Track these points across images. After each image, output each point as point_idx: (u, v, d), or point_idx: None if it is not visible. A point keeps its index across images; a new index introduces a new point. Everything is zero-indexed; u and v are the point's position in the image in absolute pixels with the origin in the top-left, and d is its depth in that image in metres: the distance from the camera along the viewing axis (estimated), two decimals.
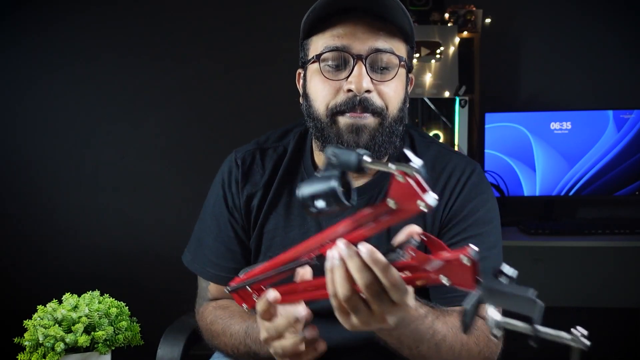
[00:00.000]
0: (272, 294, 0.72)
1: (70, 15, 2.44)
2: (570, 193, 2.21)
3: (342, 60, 0.91)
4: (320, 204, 0.57)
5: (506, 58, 2.37)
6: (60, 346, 0.85)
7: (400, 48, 0.94)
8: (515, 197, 2.21)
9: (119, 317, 0.92)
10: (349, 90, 0.90)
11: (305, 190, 0.58)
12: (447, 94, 2.17)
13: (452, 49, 2.18)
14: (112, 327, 0.90)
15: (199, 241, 1.07)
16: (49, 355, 0.85)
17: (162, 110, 2.48)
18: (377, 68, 0.91)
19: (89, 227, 2.47)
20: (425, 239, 0.62)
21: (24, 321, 0.89)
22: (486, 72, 2.24)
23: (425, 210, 0.55)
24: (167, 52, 2.45)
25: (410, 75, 1.00)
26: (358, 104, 0.90)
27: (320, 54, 0.92)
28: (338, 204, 0.56)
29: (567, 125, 2.18)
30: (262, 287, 0.72)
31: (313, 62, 0.94)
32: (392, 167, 0.55)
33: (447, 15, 2.19)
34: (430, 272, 0.59)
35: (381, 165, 0.56)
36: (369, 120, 0.91)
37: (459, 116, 2.11)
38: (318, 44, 0.93)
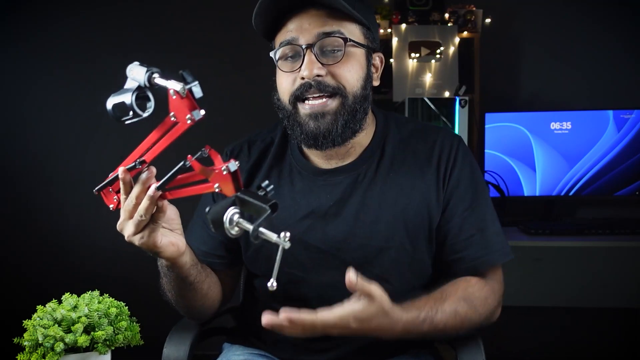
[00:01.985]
0: (152, 188, 0.79)
1: (71, 17, 2.44)
2: (570, 193, 2.21)
3: (295, 52, 0.99)
4: (118, 113, 0.70)
5: (506, 58, 2.37)
6: (59, 346, 0.84)
7: (352, 29, 1.00)
8: (515, 197, 2.21)
9: (119, 317, 0.92)
10: (303, 78, 0.97)
11: (110, 100, 0.70)
12: (447, 94, 2.17)
13: (452, 49, 2.18)
14: (112, 327, 0.90)
15: (189, 230, 1.12)
16: (48, 355, 0.85)
17: (162, 110, 2.48)
18: (327, 52, 0.98)
19: (89, 227, 2.46)
20: (209, 150, 0.77)
21: (24, 321, 0.89)
22: (486, 72, 2.24)
23: (189, 122, 0.69)
24: (166, 54, 2.45)
25: (376, 55, 1.06)
26: (311, 87, 0.97)
27: (275, 50, 1.01)
28: (134, 113, 0.69)
29: (567, 125, 2.18)
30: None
31: (276, 61, 1.02)
32: (173, 85, 0.67)
33: (447, 15, 2.19)
34: (210, 183, 0.74)
35: (166, 83, 0.67)
36: (330, 104, 0.98)
37: (459, 116, 2.11)
38: (276, 44, 1.02)
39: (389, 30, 2.20)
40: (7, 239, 2.46)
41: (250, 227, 0.68)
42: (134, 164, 0.77)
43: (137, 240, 0.84)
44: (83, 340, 0.85)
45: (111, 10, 2.44)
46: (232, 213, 0.70)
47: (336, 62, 0.98)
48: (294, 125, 1.01)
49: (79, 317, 0.87)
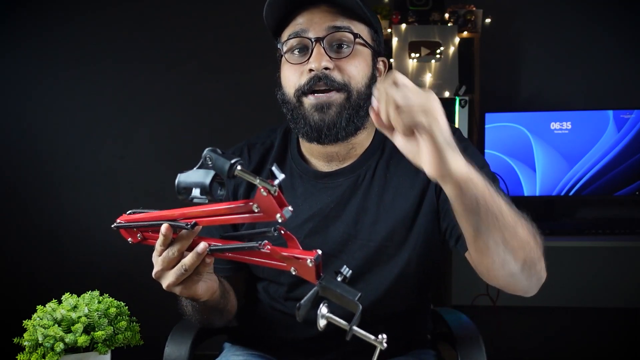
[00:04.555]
0: (202, 246, 0.76)
1: (72, 19, 2.45)
2: (570, 193, 2.21)
3: (303, 46, 0.99)
4: (194, 193, 0.67)
5: (506, 58, 2.37)
6: (59, 346, 0.84)
7: (361, 29, 1.01)
8: (515, 197, 2.19)
9: (119, 317, 0.92)
10: (310, 70, 0.97)
11: (182, 179, 0.68)
12: (447, 94, 2.17)
13: (452, 49, 2.18)
14: (112, 327, 0.90)
15: None
16: (48, 355, 0.85)
17: (161, 111, 2.48)
18: (336, 47, 0.98)
19: (89, 227, 2.46)
20: (282, 232, 0.72)
21: (24, 321, 0.89)
22: (486, 72, 2.24)
23: (280, 220, 0.66)
24: (167, 55, 2.45)
25: (381, 58, 1.06)
26: (320, 80, 0.96)
27: (283, 42, 1.01)
28: (208, 196, 0.67)
29: (567, 125, 2.18)
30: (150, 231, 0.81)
31: (284, 54, 1.02)
32: (257, 182, 0.64)
33: (447, 15, 2.19)
34: (284, 263, 0.72)
35: (250, 177, 0.64)
36: (334, 97, 0.97)
37: (459, 116, 2.11)
38: (284, 37, 1.02)
39: (389, 30, 2.20)
40: (7, 238, 2.46)
41: (345, 323, 0.64)
42: (185, 224, 0.74)
43: (177, 290, 0.81)
44: (83, 340, 0.85)
45: (112, 12, 2.44)
46: (323, 308, 0.65)
47: (344, 56, 0.98)
48: (297, 118, 1.00)
49: (79, 317, 0.87)
